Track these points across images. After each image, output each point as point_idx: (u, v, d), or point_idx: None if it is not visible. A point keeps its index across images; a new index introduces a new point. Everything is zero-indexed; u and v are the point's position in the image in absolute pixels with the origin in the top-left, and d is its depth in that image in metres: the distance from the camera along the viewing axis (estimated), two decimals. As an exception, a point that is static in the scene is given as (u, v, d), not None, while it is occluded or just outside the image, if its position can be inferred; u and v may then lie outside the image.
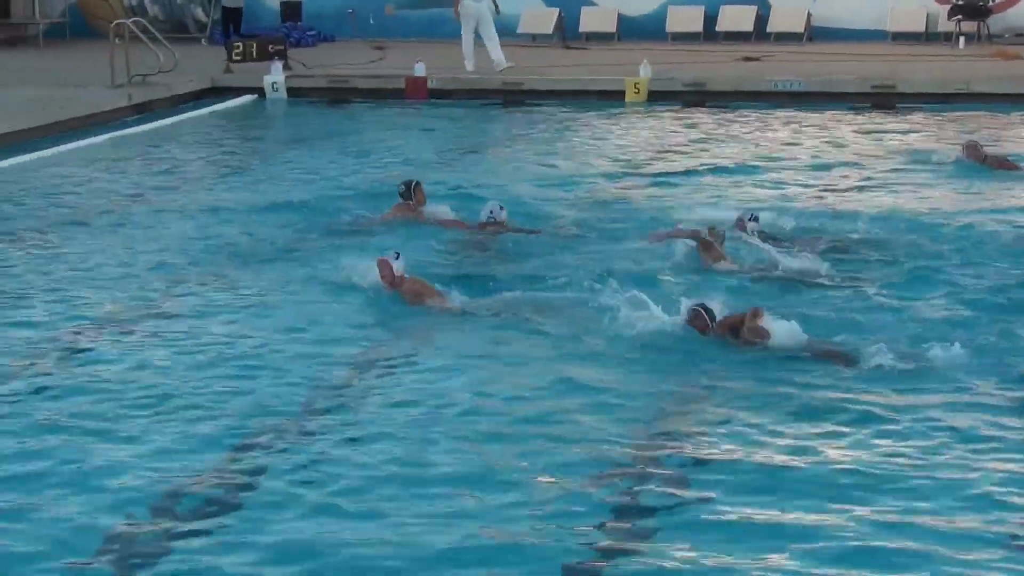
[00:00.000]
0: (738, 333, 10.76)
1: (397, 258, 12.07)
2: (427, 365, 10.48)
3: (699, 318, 10.85)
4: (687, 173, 18.45)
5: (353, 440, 8.96)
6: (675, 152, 20.14)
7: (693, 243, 13.18)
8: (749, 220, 14.03)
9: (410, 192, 15.11)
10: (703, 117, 23.50)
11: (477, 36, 26.45)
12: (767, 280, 12.63)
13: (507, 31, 30.27)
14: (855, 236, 14.27)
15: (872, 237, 14.25)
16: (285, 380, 10.13)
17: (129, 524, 7.83)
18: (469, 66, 26.47)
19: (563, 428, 9.11)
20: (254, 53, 26.88)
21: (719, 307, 11.07)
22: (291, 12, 32.54)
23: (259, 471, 8.53)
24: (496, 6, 26.67)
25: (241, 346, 10.93)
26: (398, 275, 11.99)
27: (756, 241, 13.66)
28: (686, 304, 11.05)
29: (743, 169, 18.65)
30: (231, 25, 28.01)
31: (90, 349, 10.95)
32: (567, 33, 32.12)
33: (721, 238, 13.25)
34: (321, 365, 10.50)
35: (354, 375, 10.36)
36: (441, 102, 25.28)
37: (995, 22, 30.99)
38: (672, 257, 13.27)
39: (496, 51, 26.38)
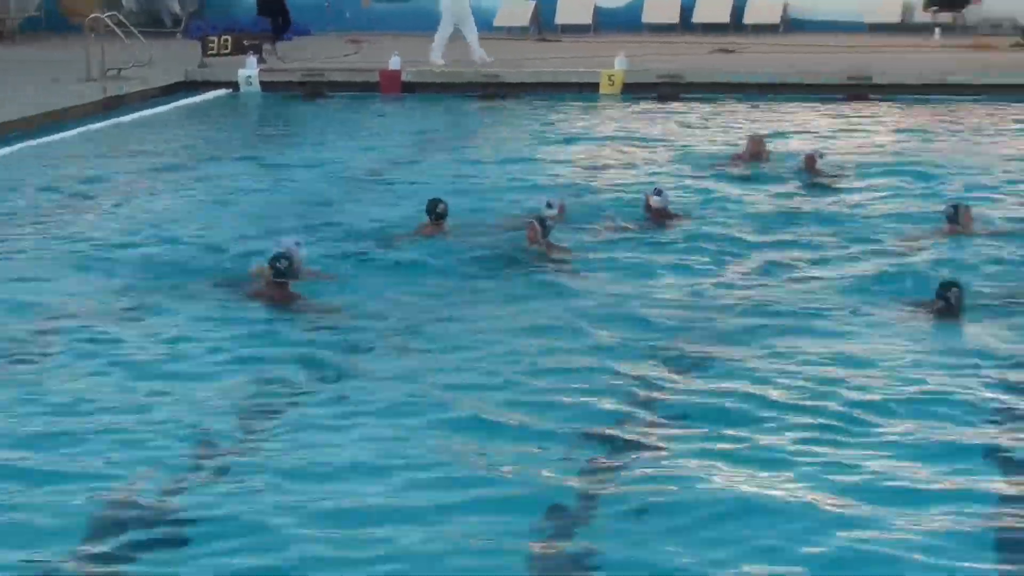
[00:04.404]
0: None
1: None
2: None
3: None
4: (657, 164, 18.41)
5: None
6: (644, 145, 20.08)
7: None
8: (654, 195, 14.62)
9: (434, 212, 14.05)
10: (678, 108, 23.50)
11: (456, 31, 26.48)
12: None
13: (484, 24, 30.26)
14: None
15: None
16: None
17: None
18: (437, 58, 26.46)
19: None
20: (229, 47, 26.74)
21: None
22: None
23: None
24: None
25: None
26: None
27: None
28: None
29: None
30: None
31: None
32: (543, 25, 32.07)
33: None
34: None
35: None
36: (416, 96, 25.18)
37: (971, 13, 31.07)
38: None
39: (476, 46, 26.35)
